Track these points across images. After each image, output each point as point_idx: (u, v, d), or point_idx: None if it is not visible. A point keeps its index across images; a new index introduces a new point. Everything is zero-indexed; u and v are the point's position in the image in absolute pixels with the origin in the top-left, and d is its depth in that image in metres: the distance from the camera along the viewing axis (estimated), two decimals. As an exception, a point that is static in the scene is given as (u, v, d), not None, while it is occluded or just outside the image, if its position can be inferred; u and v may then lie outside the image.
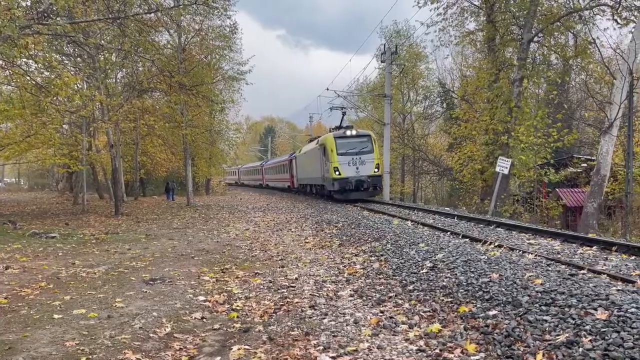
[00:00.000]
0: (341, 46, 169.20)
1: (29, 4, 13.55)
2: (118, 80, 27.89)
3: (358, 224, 14.24)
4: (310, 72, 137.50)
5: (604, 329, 4.07)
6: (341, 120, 29.03)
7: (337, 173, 22.14)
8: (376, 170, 22.49)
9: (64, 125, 25.81)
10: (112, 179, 27.31)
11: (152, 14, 16.97)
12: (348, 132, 23.43)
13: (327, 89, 37.03)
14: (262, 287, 7.44)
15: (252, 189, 60.80)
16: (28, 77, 14.98)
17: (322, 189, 26.19)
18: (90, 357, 4.56)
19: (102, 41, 19.39)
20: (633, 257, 7.49)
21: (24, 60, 14.59)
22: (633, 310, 4.34)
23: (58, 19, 13.48)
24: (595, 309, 4.53)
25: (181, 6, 17.98)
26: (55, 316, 5.86)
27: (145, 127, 27.65)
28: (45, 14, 13.20)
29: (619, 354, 3.67)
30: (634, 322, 4.11)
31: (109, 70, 22.66)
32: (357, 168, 22.11)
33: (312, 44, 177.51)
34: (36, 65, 15.05)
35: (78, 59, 22.23)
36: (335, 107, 32.11)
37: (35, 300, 6.72)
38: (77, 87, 18.82)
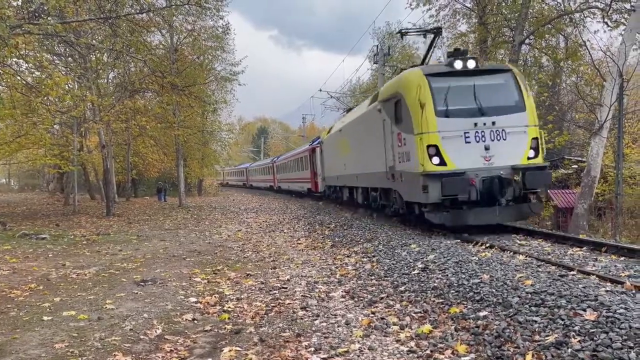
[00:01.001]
0: (334, 47, 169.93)
1: (19, 3, 13.45)
2: (110, 80, 27.74)
3: (350, 225, 14.25)
4: (304, 72, 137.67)
5: (593, 330, 4.11)
6: (430, 45, 13.52)
7: (436, 161, 9.99)
8: (533, 153, 10.30)
9: (54, 126, 25.61)
10: (103, 179, 27.13)
11: (144, 14, 16.90)
12: (458, 64, 10.48)
13: (320, 90, 36.33)
14: (253, 288, 7.43)
15: (254, 191, 54.86)
16: (18, 77, 14.88)
17: (387, 197, 13.02)
18: (80, 359, 4.53)
19: (94, 41, 19.29)
20: (622, 258, 7.54)
21: (15, 60, 14.51)
22: (621, 311, 4.38)
23: (49, 18, 13.39)
24: (584, 310, 4.56)
25: (173, 6, 17.93)
26: (45, 318, 5.83)
27: (137, 127, 27.51)
28: (36, 14, 13.11)
29: (607, 355, 3.70)
30: (622, 322, 4.15)
31: (101, 71, 22.56)
32: (488, 149, 10.02)
33: (305, 45, 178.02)
34: (27, 65, 14.96)
35: (69, 58, 22.09)
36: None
37: (24, 302, 6.68)
38: (68, 87, 18.73)
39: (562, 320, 4.43)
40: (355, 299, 6.40)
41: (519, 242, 9.53)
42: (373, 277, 7.58)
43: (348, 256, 9.72)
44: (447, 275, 6.75)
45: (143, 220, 20.39)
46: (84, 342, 4.94)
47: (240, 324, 5.59)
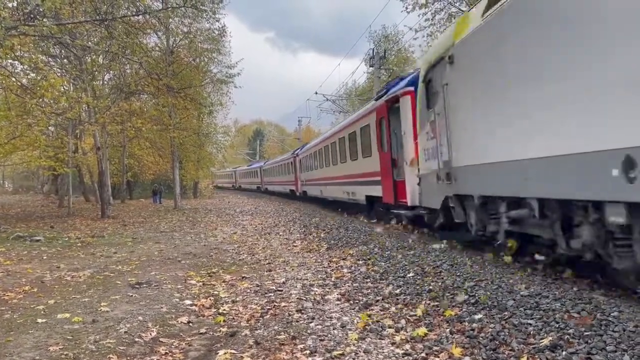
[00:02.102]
0: (330, 49, 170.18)
1: (15, 4, 13.41)
2: (105, 82, 27.69)
3: (346, 227, 14.26)
4: (300, 75, 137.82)
5: (587, 333, 4.13)
6: None
7: None
8: None
9: (49, 127, 25.53)
10: (98, 181, 27.06)
11: (140, 16, 16.90)
12: None
13: (316, 93, 36.30)
14: (249, 290, 7.42)
15: (250, 193, 50.95)
16: (14, 79, 14.85)
17: None
18: (75, 362, 4.51)
19: (90, 43, 19.25)
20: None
21: (10, 61, 14.46)
22: (615, 314, 4.41)
23: (45, 20, 13.37)
24: (579, 313, 4.58)
25: (169, 9, 17.93)
26: (39, 320, 5.80)
27: (132, 129, 27.46)
28: (32, 15, 13.08)
29: (601, 358, 3.72)
30: (616, 325, 4.17)
31: (96, 72, 22.49)
32: None
33: (301, 47, 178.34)
34: (22, 66, 14.96)
35: (65, 60, 22.04)
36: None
37: (18, 305, 6.65)
38: (64, 88, 18.67)
39: (557, 323, 4.45)
40: (351, 302, 6.40)
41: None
42: (368, 280, 7.58)
43: (344, 259, 9.72)
44: (443, 278, 6.77)
45: (138, 222, 20.32)
46: (79, 345, 4.92)
47: (236, 326, 5.58)
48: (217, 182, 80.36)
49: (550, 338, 4.16)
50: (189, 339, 5.22)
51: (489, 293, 5.67)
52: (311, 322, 5.57)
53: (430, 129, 9.21)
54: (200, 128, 35.64)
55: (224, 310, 6.28)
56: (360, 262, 9.11)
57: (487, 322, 4.87)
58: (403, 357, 4.42)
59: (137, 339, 5.14)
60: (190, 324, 5.74)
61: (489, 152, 6.80)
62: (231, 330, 5.42)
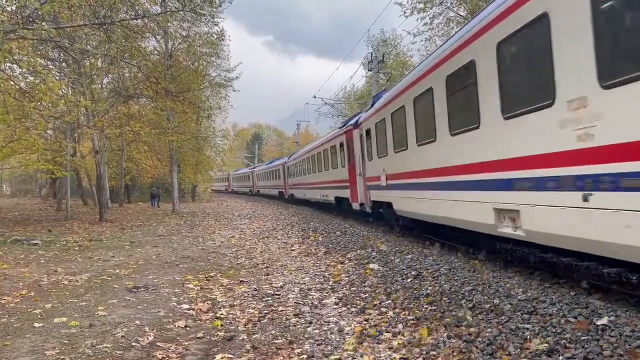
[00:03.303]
0: (329, 53, 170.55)
1: (14, 8, 13.41)
2: (104, 85, 27.66)
3: (344, 231, 14.26)
4: (298, 78, 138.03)
5: (584, 337, 4.13)
6: None
7: None
8: None
9: (48, 131, 25.50)
10: (96, 185, 27.04)
11: (139, 20, 16.91)
12: None
13: (314, 97, 36.36)
14: (246, 295, 7.41)
15: (248, 196, 52.81)
16: (12, 82, 14.82)
17: None
18: (71, 366, 4.50)
19: (88, 46, 19.24)
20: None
21: (8, 64, 14.45)
22: (612, 318, 4.41)
23: (43, 23, 13.36)
24: (576, 317, 4.59)
25: (168, 12, 17.94)
26: (36, 325, 5.79)
27: (131, 133, 27.42)
28: (31, 19, 13.08)
29: (598, 362, 3.72)
30: (612, 330, 4.17)
31: (95, 76, 22.49)
32: None
33: (299, 51, 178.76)
34: (20, 70, 14.92)
35: (63, 64, 22.02)
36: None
37: (15, 308, 6.63)
38: (62, 92, 18.67)
39: (554, 327, 4.45)
40: (349, 306, 6.40)
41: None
42: (366, 284, 7.58)
43: (342, 263, 9.71)
44: (440, 282, 6.77)
45: (136, 226, 20.30)
46: (75, 349, 4.91)
47: (233, 330, 5.57)
48: (233, 186, 78.62)
49: (547, 343, 4.17)
50: (186, 343, 5.21)
51: (486, 297, 5.67)
52: (308, 327, 5.57)
53: None
54: (199, 132, 35.59)
55: (222, 314, 6.27)
56: (359, 266, 9.11)
57: (484, 327, 4.87)
58: (400, 361, 4.42)
59: (134, 344, 5.13)
60: (188, 328, 5.73)
61: None
62: (228, 334, 5.42)
